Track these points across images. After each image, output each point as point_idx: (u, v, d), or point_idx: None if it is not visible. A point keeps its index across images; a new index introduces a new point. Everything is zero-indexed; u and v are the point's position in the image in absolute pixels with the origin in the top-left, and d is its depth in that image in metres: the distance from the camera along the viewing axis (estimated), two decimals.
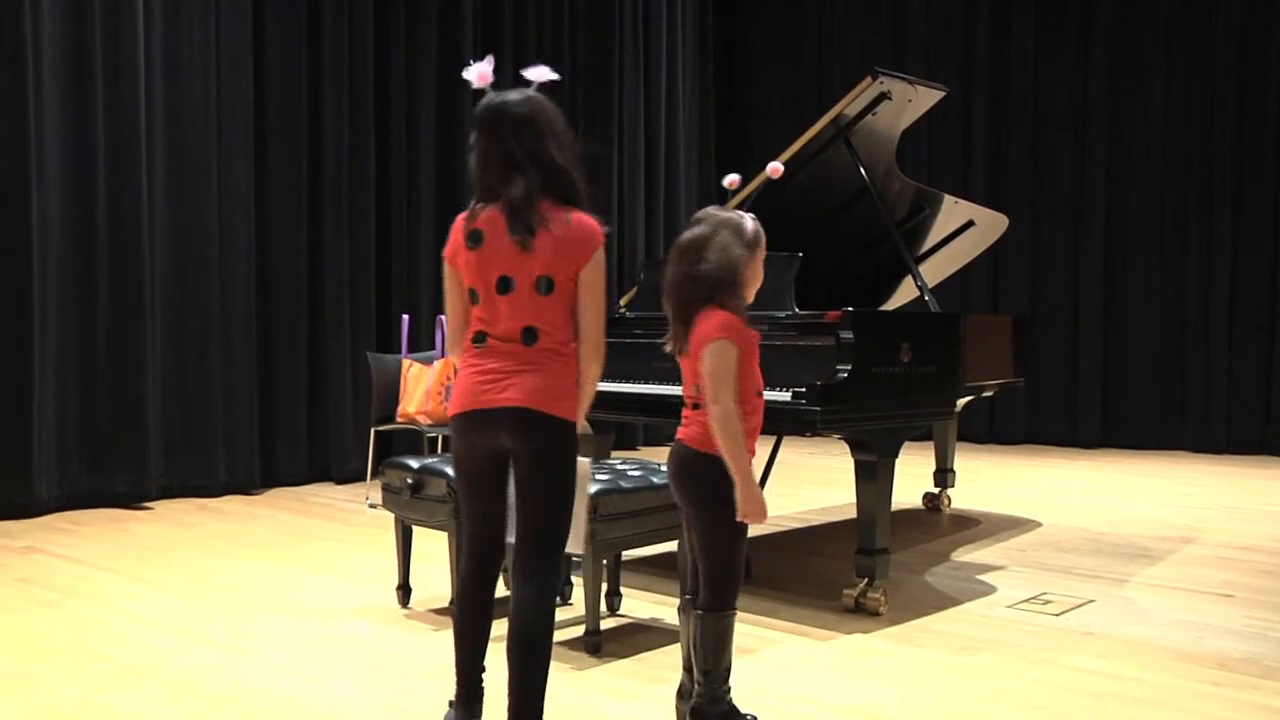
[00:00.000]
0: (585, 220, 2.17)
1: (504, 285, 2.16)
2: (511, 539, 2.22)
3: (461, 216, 2.24)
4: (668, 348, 2.34)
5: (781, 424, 3.31)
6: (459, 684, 2.29)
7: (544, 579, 2.15)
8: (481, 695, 2.30)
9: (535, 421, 2.13)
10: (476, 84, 2.20)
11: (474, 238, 2.19)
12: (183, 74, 5.72)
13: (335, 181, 6.33)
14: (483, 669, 2.29)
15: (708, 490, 2.28)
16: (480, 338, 2.20)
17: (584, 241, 2.15)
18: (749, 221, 2.34)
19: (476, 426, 2.18)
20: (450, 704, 2.33)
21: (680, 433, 2.34)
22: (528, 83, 2.20)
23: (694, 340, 2.27)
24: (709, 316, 2.26)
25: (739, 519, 2.24)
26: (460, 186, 6.80)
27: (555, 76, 2.19)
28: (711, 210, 2.36)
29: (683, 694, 2.48)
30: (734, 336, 2.23)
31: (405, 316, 5.66)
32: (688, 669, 2.46)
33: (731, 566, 2.30)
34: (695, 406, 2.31)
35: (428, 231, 6.75)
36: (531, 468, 2.14)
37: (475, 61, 2.20)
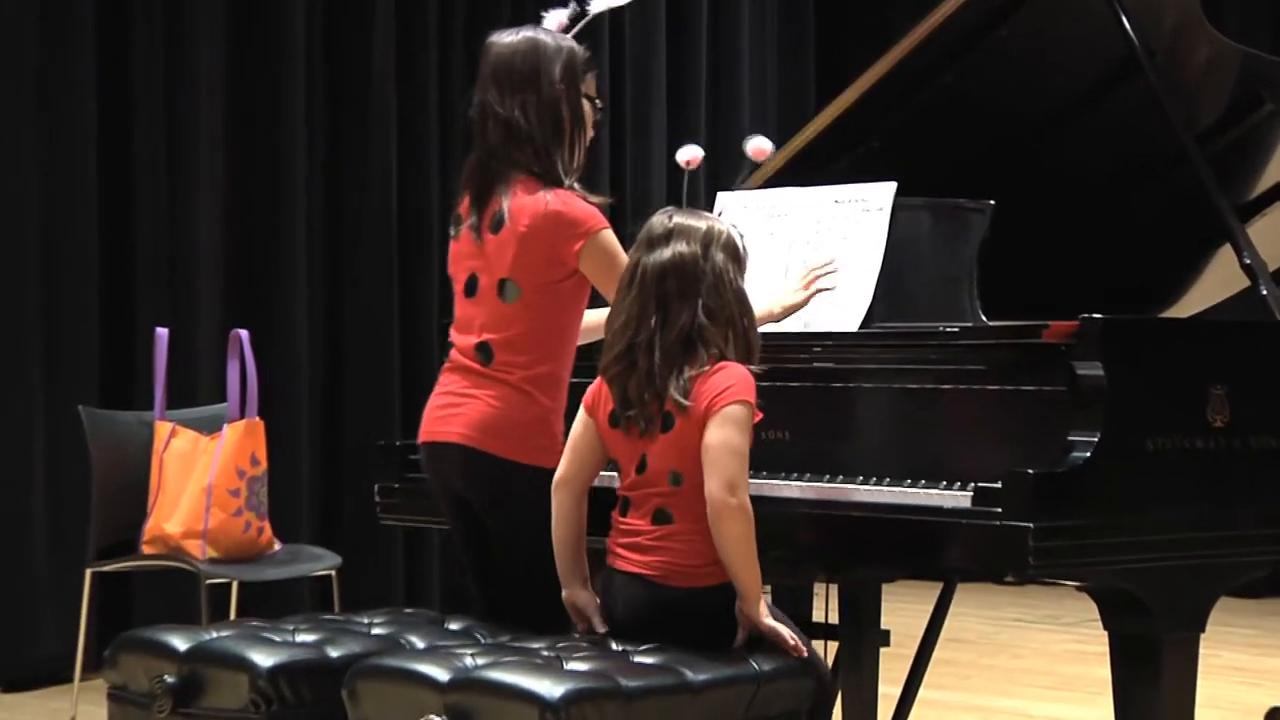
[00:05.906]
0: None
1: None
2: None
3: None
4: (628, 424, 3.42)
5: (951, 554, 3.40)
6: None
7: None
8: None
9: None
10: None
11: None
12: None
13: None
14: None
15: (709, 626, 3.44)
16: None
17: None
18: (734, 232, 3.44)
19: None
20: None
21: (633, 562, 3.40)
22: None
23: (696, 408, 3.31)
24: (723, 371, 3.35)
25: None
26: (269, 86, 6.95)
27: None
28: (680, 219, 3.35)
29: None
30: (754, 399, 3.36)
31: (161, 332, 5.71)
32: None
33: None
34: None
35: (207, 163, 7.00)
36: None
37: None
